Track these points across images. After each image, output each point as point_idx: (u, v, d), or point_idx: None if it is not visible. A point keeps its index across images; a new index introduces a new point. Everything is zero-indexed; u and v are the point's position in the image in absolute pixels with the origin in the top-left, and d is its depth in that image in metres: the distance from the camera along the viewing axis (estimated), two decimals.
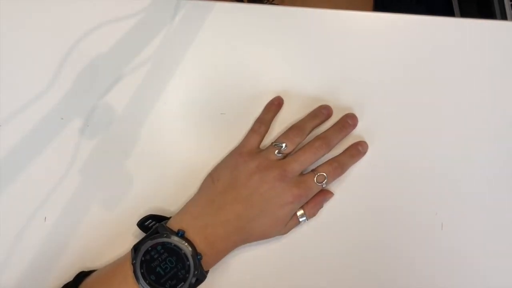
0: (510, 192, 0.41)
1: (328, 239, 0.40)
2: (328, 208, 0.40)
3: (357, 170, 0.41)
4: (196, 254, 0.34)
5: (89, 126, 0.41)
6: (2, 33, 0.41)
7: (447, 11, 1.14)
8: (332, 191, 0.40)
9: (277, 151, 0.38)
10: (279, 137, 0.39)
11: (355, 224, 0.40)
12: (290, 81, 0.41)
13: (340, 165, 0.39)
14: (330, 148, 0.39)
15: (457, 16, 1.12)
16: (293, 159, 0.38)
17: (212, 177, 0.38)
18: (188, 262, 0.34)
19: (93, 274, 0.37)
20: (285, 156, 0.38)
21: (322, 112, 0.40)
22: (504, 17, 0.98)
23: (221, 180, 0.37)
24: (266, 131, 0.40)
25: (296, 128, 0.39)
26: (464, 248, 0.40)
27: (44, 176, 0.40)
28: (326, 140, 0.38)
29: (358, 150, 0.40)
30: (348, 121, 0.40)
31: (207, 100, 0.41)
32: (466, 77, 0.41)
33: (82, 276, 0.37)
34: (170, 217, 0.38)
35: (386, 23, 0.42)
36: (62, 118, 0.40)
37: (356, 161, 0.40)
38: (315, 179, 0.37)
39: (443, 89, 0.41)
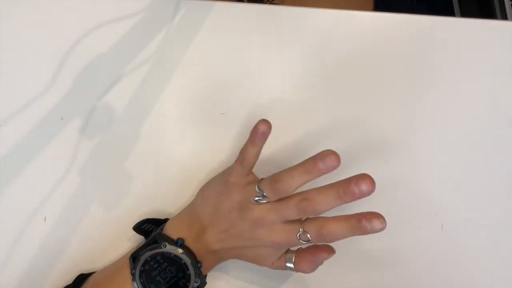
0: (509, 192, 0.41)
1: None
2: None
3: (357, 170, 0.41)
4: (196, 263, 0.34)
5: (89, 126, 0.40)
6: (2, 33, 0.41)
7: (447, 11, 1.14)
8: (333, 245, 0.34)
9: (257, 198, 0.33)
10: (265, 183, 0.33)
11: None
12: (290, 80, 0.41)
13: (330, 234, 0.31)
14: (316, 213, 0.32)
15: (457, 16, 1.12)
16: (274, 210, 0.33)
17: (202, 194, 0.37)
18: (188, 272, 0.34)
19: (90, 278, 0.37)
20: None
21: (319, 168, 0.31)
22: (504, 17, 0.98)
23: (207, 202, 0.36)
24: (252, 165, 0.35)
25: (283, 183, 0.32)
26: (464, 248, 0.40)
27: (44, 176, 0.40)
28: (313, 206, 0.31)
29: (364, 227, 0.30)
30: (346, 195, 0.31)
31: (207, 100, 0.41)
32: (466, 77, 0.41)
33: (81, 279, 0.37)
34: (166, 219, 0.38)
35: (386, 23, 0.42)
36: (62, 118, 0.40)
37: (355, 234, 0.30)
38: (297, 235, 0.32)
39: (443, 88, 0.41)
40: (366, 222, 0.30)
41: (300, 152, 0.41)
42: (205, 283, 0.35)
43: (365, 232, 0.30)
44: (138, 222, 0.37)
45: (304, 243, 0.32)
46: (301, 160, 0.34)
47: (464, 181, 0.41)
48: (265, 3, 1.03)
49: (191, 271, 0.34)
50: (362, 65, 0.41)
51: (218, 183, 0.37)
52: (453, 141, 0.41)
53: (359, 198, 0.30)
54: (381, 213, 0.40)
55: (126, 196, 0.40)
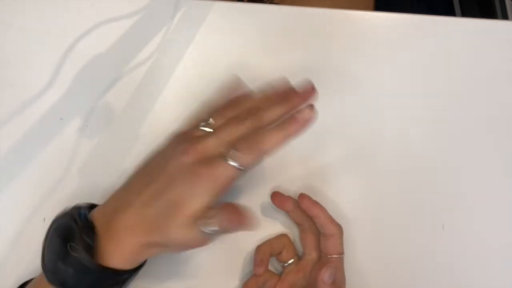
0: (510, 193, 0.41)
1: None
2: (328, 208, 0.40)
3: (357, 170, 0.41)
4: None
5: (89, 126, 0.40)
6: (1, 33, 0.41)
7: (448, 11, 1.14)
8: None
9: (201, 125, 0.31)
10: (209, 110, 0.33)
11: (355, 225, 0.40)
12: (290, 80, 0.41)
13: (258, 143, 0.29)
14: (260, 125, 0.30)
15: (458, 16, 1.12)
16: (211, 133, 0.31)
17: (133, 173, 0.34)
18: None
19: None
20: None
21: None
22: (505, 17, 0.98)
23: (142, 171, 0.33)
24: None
25: (232, 107, 0.32)
26: (464, 249, 0.40)
27: (44, 176, 0.40)
28: (256, 115, 0.30)
29: (294, 121, 0.30)
30: (294, 93, 0.31)
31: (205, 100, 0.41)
32: (467, 76, 0.41)
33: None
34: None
35: (386, 23, 0.42)
36: (61, 118, 0.40)
37: (289, 136, 0.30)
38: (221, 147, 0.29)
39: (444, 89, 0.41)
40: (299, 116, 0.30)
41: (298, 150, 0.41)
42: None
43: (300, 124, 0.30)
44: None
45: (222, 158, 0.29)
46: (296, 157, 0.39)
47: (465, 182, 0.41)
48: (265, 3, 1.03)
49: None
50: (361, 65, 0.41)
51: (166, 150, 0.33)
52: (453, 141, 0.41)
53: (302, 100, 0.32)
54: (382, 213, 0.40)
55: None
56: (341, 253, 0.36)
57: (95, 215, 0.31)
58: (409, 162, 0.41)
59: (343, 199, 0.40)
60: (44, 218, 0.39)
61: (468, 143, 0.41)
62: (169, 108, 0.41)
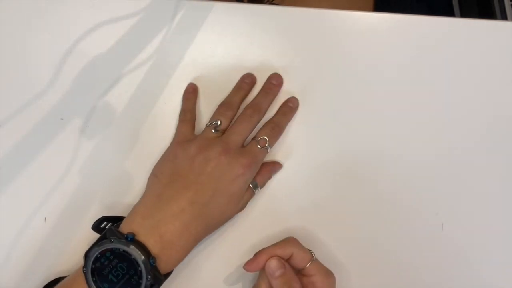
0: (510, 192, 0.41)
1: (328, 238, 0.40)
2: (328, 206, 0.40)
3: (357, 170, 0.41)
4: (148, 258, 0.32)
5: (89, 126, 0.41)
6: (2, 33, 0.41)
7: (447, 11, 1.14)
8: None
9: (213, 129, 0.38)
10: (211, 117, 0.39)
11: (354, 224, 0.40)
12: (290, 81, 0.41)
13: (277, 124, 0.39)
14: (262, 112, 0.39)
15: (457, 16, 1.12)
16: (231, 132, 0.37)
17: (155, 173, 0.37)
18: (139, 268, 0.32)
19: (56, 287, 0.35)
20: (223, 133, 0.38)
21: (245, 82, 0.41)
22: (504, 17, 0.98)
23: (164, 172, 0.36)
24: (194, 118, 0.40)
25: (225, 104, 0.39)
26: (464, 248, 0.40)
27: (44, 176, 0.40)
28: (256, 106, 0.39)
29: (289, 107, 0.41)
30: (273, 82, 0.40)
31: (207, 100, 0.41)
32: (466, 77, 0.41)
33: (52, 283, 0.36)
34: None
35: (386, 23, 0.42)
36: (62, 118, 0.40)
37: (291, 117, 0.41)
38: (258, 145, 0.38)
39: (443, 89, 0.41)
40: (288, 103, 0.41)
41: (297, 149, 0.41)
42: (161, 280, 0.33)
43: (293, 107, 0.41)
44: (96, 221, 0.36)
45: (264, 149, 0.38)
46: (296, 157, 0.41)
47: (465, 182, 0.41)
48: (265, 3, 1.03)
49: (142, 267, 0.32)
50: (361, 65, 0.41)
51: (169, 152, 0.38)
52: (452, 141, 0.41)
53: (278, 86, 0.41)
54: (381, 213, 0.40)
55: (126, 196, 0.40)
56: (311, 258, 0.35)
57: (142, 235, 0.33)
58: (409, 162, 0.41)
59: (343, 199, 0.40)
60: (45, 218, 0.40)
61: (468, 143, 0.41)
62: (170, 108, 0.41)
